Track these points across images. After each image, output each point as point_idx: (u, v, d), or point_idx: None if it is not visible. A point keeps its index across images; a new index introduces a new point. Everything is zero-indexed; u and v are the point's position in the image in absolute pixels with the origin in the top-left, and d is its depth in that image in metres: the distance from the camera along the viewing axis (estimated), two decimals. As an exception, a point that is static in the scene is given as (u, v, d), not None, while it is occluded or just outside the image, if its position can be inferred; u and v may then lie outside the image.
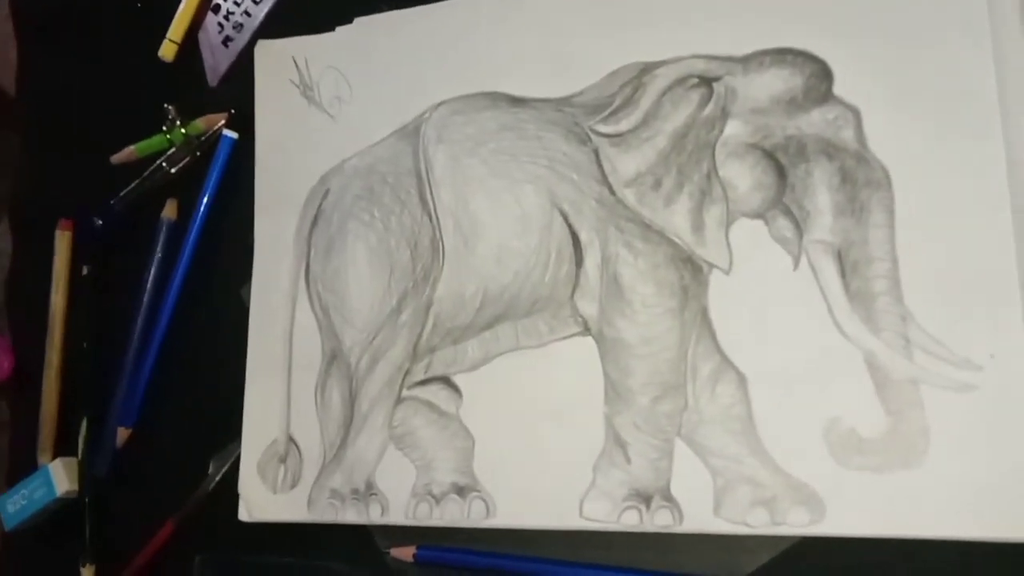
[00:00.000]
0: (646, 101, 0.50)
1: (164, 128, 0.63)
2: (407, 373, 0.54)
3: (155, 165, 0.64)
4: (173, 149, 0.63)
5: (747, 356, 0.47)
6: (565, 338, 0.51)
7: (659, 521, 0.46)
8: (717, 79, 0.49)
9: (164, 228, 0.63)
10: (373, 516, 0.53)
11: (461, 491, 0.51)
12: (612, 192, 0.50)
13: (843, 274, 0.45)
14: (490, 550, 0.50)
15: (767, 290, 0.47)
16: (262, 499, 0.56)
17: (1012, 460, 0.41)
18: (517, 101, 0.54)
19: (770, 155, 0.47)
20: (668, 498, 0.47)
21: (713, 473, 0.46)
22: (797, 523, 0.44)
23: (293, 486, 0.56)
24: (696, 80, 0.49)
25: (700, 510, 0.46)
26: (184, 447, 0.60)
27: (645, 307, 0.49)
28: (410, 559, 0.51)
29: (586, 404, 0.49)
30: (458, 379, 0.53)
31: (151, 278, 0.63)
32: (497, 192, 0.53)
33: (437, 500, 0.52)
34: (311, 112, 0.60)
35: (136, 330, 0.63)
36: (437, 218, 0.54)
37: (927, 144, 0.44)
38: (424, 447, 0.53)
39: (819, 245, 0.46)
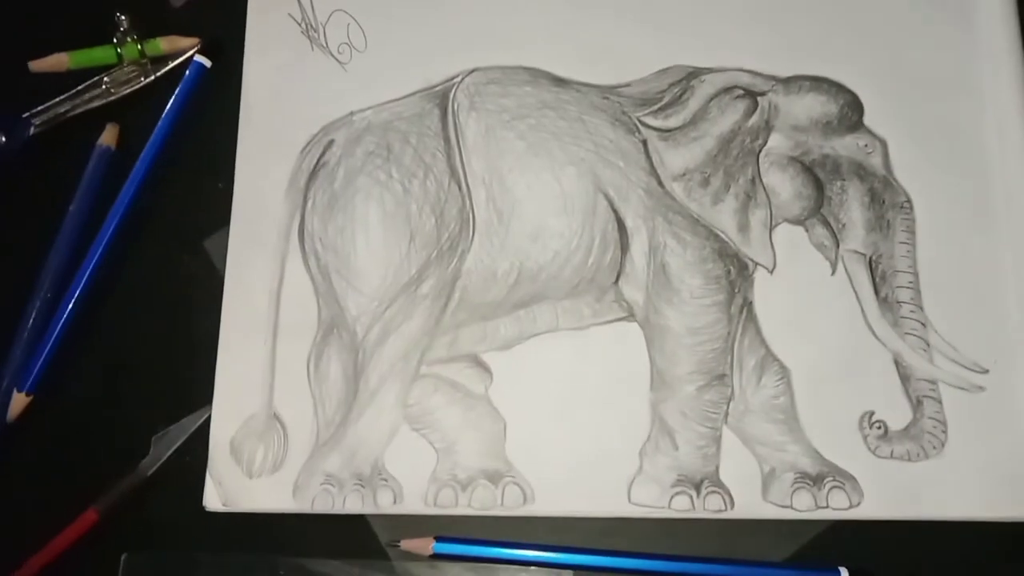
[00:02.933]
0: (694, 103, 0.52)
1: (115, 40, 0.53)
2: (427, 348, 0.49)
3: (93, 81, 0.53)
4: (121, 67, 0.53)
5: (788, 350, 0.49)
6: (608, 322, 0.50)
7: (711, 506, 0.47)
8: (762, 94, 0.52)
9: (99, 157, 0.52)
10: (383, 504, 0.47)
11: (492, 476, 0.48)
12: (660, 184, 0.51)
13: (874, 282, 0.50)
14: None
15: (807, 290, 0.50)
16: (236, 485, 0.47)
17: (1016, 451, 0.47)
18: (559, 81, 0.53)
19: (809, 169, 0.52)
20: (718, 483, 0.47)
21: (759, 460, 0.48)
22: (839, 507, 0.47)
23: (275, 470, 0.48)
24: (741, 92, 0.52)
25: (749, 495, 0.47)
26: (112, 421, 0.49)
27: (693, 298, 0.50)
28: (428, 552, 0.46)
29: (629, 389, 0.49)
30: (488, 357, 0.50)
31: (76, 214, 0.51)
32: (536, 169, 0.51)
33: (463, 486, 0.47)
34: (315, 55, 0.54)
35: (49, 274, 0.51)
36: (468, 188, 0.51)
37: (943, 178, 0.51)
38: (445, 428, 0.49)
39: (853, 255, 0.50)
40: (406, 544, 0.47)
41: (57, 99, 0.52)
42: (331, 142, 0.52)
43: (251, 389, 0.49)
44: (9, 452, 0.48)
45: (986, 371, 0.49)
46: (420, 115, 0.52)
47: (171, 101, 0.52)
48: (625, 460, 0.48)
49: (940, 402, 0.48)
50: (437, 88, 0.53)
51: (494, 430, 0.48)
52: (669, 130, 0.52)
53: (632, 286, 0.50)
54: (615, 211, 0.51)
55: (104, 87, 0.53)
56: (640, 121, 0.52)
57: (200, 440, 0.48)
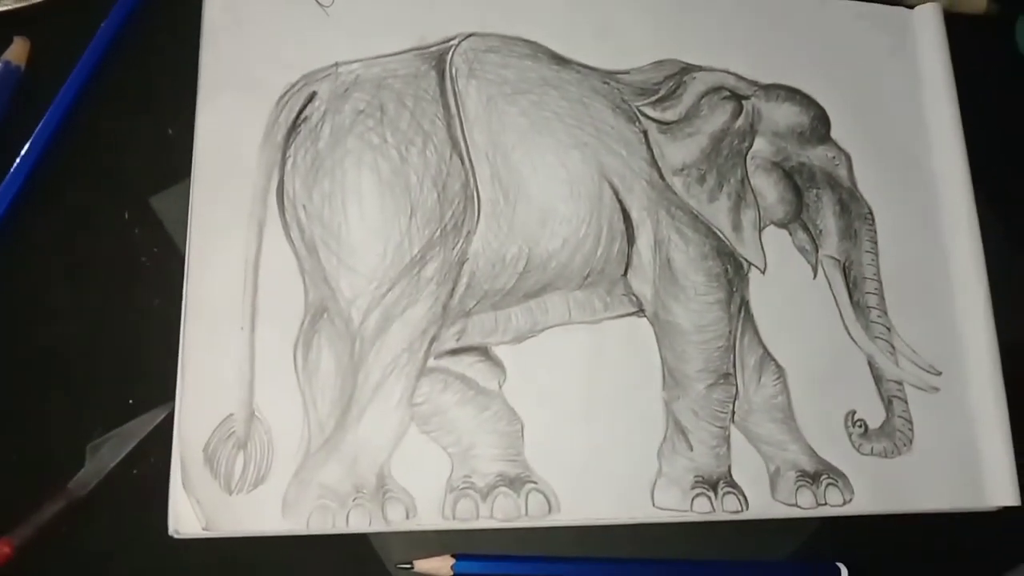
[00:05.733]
0: (688, 99, 0.52)
1: (29, -69, 0.41)
2: (434, 338, 0.43)
3: (-6, -21, 0.41)
4: (33, -33, 0.41)
5: (781, 350, 0.50)
6: (620, 316, 0.47)
7: (728, 507, 0.46)
8: (746, 98, 0.53)
9: (4, 76, 0.40)
10: (393, 519, 0.40)
11: (512, 483, 0.43)
12: (662, 177, 0.50)
13: (848, 287, 0.52)
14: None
15: (795, 292, 0.51)
16: (211, 503, 0.38)
17: (968, 447, 0.51)
18: (560, 59, 0.50)
19: (789, 175, 0.53)
20: (732, 484, 0.46)
21: (765, 459, 0.48)
22: (835, 504, 0.48)
23: (258, 483, 0.39)
24: (728, 93, 0.53)
25: (760, 495, 0.47)
26: (30, 426, 0.37)
27: (697, 295, 0.49)
28: (446, 572, 0.40)
29: (643, 387, 0.47)
30: (499, 351, 0.45)
31: (-31, 149, 0.39)
32: (540, 150, 0.48)
33: (483, 495, 0.42)
34: (291, -9, 0.46)
35: (-69, 227, 0.38)
36: (471, 162, 0.46)
37: (897, 193, 0.55)
38: (459, 430, 0.43)
39: (830, 260, 0.52)
40: (420, 565, 0.40)
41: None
42: (313, 94, 0.45)
43: (226, 384, 0.39)
44: None
45: (939, 373, 0.53)
46: (415, 75, 0.46)
47: (108, 19, 0.41)
48: (644, 462, 0.45)
49: (906, 402, 0.51)
50: (432, 49, 0.47)
51: (511, 431, 0.43)
52: (667, 123, 0.51)
53: (640, 279, 0.48)
54: (620, 201, 0.48)
55: (8, -10, 0.40)
56: (640, 111, 0.50)
57: (153, 448, 0.38)
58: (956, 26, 0.57)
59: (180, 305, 0.39)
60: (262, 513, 0.38)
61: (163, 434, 0.38)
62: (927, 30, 0.57)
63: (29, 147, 0.39)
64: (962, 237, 0.54)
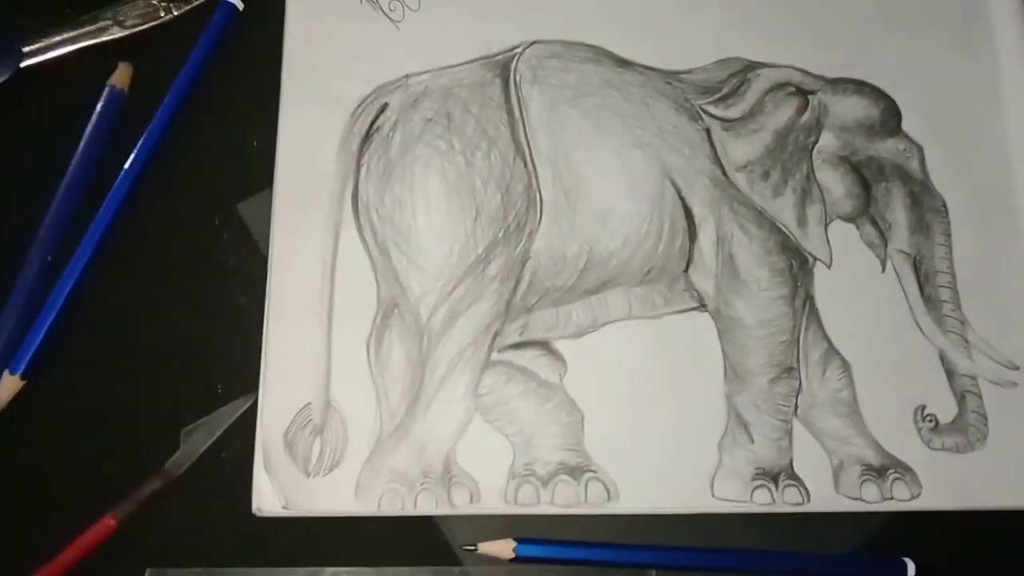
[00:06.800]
0: (752, 96, 0.52)
1: (131, -34, 0.45)
2: (498, 333, 0.46)
3: (101, 11, 0.45)
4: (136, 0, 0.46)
5: (847, 344, 0.50)
6: (681, 311, 0.48)
7: (789, 499, 0.46)
8: (812, 93, 0.53)
9: (110, 100, 0.44)
10: (458, 503, 0.43)
11: (572, 471, 0.44)
12: (724, 174, 0.50)
13: (919, 281, 0.52)
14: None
15: (862, 286, 0.51)
16: (290, 484, 0.41)
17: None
18: (622, 62, 0.51)
19: (856, 169, 0.53)
20: (793, 476, 0.47)
21: (828, 453, 0.48)
22: (902, 498, 0.48)
23: (333, 467, 0.42)
24: (793, 88, 0.53)
25: (823, 488, 0.47)
26: (132, 412, 0.41)
27: (761, 291, 0.49)
28: (509, 555, 0.42)
29: (704, 380, 0.47)
30: (560, 345, 0.46)
31: (81, 164, 0.43)
32: (602, 151, 0.49)
33: (544, 482, 0.44)
34: (364, 9, 0.49)
35: (49, 234, 0.42)
36: (534, 165, 0.48)
37: (973, 185, 0.54)
38: (521, 420, 0.45)
39: (900, 254, 0.52)
40: (484, 547, 0.42)
41: (60, 36, 0.44)
42: (385, 105, 0.47)
43: (305, 375, 0.43)
44: (5, 446, 0.39)
45: (1018, 368, 0.51)
46: (481, 84, 0.49)
47: (199, 44, 0.45)
48: (704, 453, 0.46)
49: (980, 396, 0.50)
50: (497, 57, 0.49)
51: (571, 422, 0.45)
52: (730, 120, 0.51)
53: (702, 275, 0.49)
54: (682, 199, 0.49)
55: (115, 20, 0.45)
56: (703, 109, 0.51)
57: (238, 434, 0.42)
58: (1036, 11, 0.55)
59: (264, 303, 0.43)
60: (337, 495, 0.42)
61: (248, 421, 0.41)
62: (1004, 16, 0.56)
63: (132, 161, 0.43)
64: (1042, 229, 0.53)
